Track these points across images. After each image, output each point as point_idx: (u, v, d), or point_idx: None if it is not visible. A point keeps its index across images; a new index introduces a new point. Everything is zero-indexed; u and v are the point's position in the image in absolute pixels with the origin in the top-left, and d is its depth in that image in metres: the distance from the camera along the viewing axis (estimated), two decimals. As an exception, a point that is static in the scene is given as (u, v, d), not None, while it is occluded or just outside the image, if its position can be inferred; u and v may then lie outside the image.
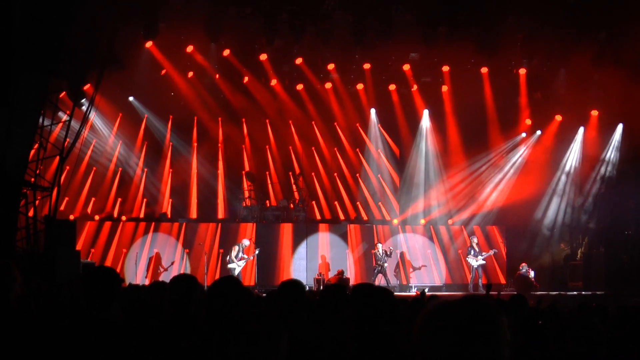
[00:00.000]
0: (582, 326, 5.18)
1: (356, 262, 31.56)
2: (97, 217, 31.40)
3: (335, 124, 34.85)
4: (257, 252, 29.08)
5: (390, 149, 35.64)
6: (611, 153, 33.88)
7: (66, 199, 30.11)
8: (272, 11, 28.19)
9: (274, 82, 32.89)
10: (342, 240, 31.72)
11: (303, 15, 28.21)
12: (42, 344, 5.65)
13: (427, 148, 35.06)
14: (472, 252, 30.76)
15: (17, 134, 19.03)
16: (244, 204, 31.81)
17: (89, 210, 31.95)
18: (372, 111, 34.97)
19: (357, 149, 35.31)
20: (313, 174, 34.88)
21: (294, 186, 33.54)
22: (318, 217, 34.33)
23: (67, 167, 25.02)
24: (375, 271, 29.97)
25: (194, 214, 33.30)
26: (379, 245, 30.20)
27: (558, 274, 33.43)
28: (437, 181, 34.91)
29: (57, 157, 21.79)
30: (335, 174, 35.08)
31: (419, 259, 32.47)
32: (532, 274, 30.51)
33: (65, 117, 23.23)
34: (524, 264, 30.79)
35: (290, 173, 34.36)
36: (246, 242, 29.19)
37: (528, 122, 34.54)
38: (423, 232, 33.23)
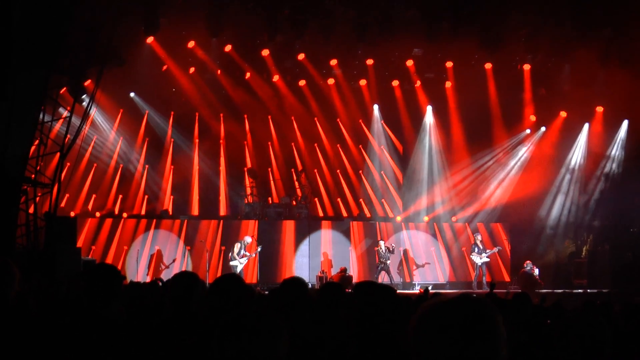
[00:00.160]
0: (586, 324, 5.18)
1: (359, 260, 31.55)
2: (98, 214, 31.40)
3: (338, 120, 34.86)
4: (259, 249, 29.08)
5: (394, 146, 35.65)
6: (616, 150, 33.86)
7: (67, 195, 30.11)
8: (274, 6, 28.16)
9: (276, 77, 32.89)
10: (345, 238, 31.71)
11: (305, 10, 28.17)
12: (42, 341, 5.65)
13: (431, 144, 35.07)
14: (476, 250, 30.74)
15: (17, 130, 19.03)
16: (246, 201, 31.80)
17: (89, 207, 31.97)
18: (375, 107, 34.98)
19: (360, 146, 35.32)
20: (315, 170, 34.90)
21: (296, 183, 33.53)
22: (320, 214, 34.35)
23: (68, 164, 25.03)
24: (378, 269, 29.96)
25: (195, 211, 33.32)
26: (382, 243, 30.20)
27: (562, 271, 33.41)
28: (440, 178, 34.92)
29: (58, 154, 21.79)
30: (338, 171, 35.09)
31: (423, 257, 32.46)
32: (536, 271, 30.48)
33: (65, 113, 23.21)
34: (528, 261, 30.77)
35: (293, 170, 34.35)
36: (248, 239, 29.18)
37: (532, 118, 34.54)
38: (426, 230, 33.22)
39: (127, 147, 33.00)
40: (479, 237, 31.15)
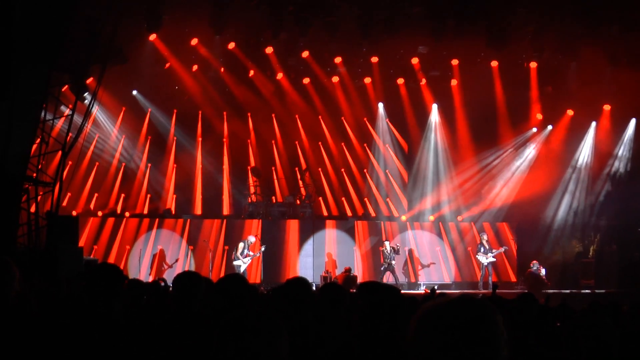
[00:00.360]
0: (593, 325, 5.17)
1: (364, 259, 31.54)
2: (100, 213, 31.45)
3: (343, 118, 34.85)
4: (262, 249, 29.08)
5: (399, 144, 35.63)
6: (624, 148, 33.82)
7: (68, 194, 30.12)
8: (278, 3, 28.14)
9: (279, 75, 32.90)
10: (350, 237, 31.70)
11: (309, 7, 28.15)
12: (43, 341, 5.66)
13: (436, 143, 35.04)
14: (482, 250, 30.71)
15: (19, 129, 19.04)
16: (250, 200, 31.82)
17: (91, 206, 32.01)
18: (380, 105, 34.97)
19: (365, 144, 35.31)
20: (320, 169, 34.89)
21: (300, 182, 33.52)
22: (325, 213, 34.35)
23: (70, 162, 25.05)
24: (383, 269, 29.94)
25: (198, 210, 33.35)
26: (387, 243, 30.17)
27: (569, 271, 33.34)
28: (446, 177, 34.89)
29: (60, 152, 21.80)
30: (343, 170, 35.08)
31: (428, 257, 32.44)
32: (543, 271, 30.47)
33: (67, 111, 23.20)
34: (534, 261, 30.75)
35: (297, 168, 34.35)
36: (252, 238, 29.17)
37: (539, 116, 34.49)
38: (432, 229, 33.20)
39: (130, 145, 33.02)
40: (485, 237, 31.13)
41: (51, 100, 21.34)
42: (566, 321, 5.56)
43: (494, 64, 32.58)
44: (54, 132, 22.48)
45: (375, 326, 5.47)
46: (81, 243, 26.76)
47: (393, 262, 29.92)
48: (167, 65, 31.34)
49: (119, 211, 32.13)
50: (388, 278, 29.57)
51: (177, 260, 29.99)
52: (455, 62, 32.56)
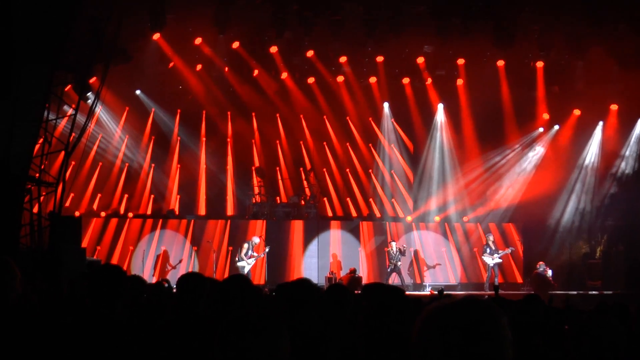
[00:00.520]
0: (600, 326, 5.16)
1: (369, 260, 31.54)
2: (103, 214, 31.47)
3: (348, 118, 34.85)
4: (267, 249, 29.08)
5: (404, 144, 35.62)
6: (631, 148, 33.75)
7: (71, 195, 30.16)
8: (282, 2, 28.13)
9: (284, 75, 32.90)
10: (354, 238, 31.70)
11: (314, 6, 28.13)
12: (45, 342, 5.66)
13: (442, 143, 35.02)
14: (488, 251, 30.67)
15: (21, 128, 19.05)
16: (254, 201, 31.81)
17: (94, 206, 32.02)
18: (385, 105, 34.97)
19: (370, 144, 35.30)
20: (324, 169, 34.89)
21: (305, 182, 33.53)
22: (330, 213, 34.34)
23: (73, 163, 25.02)
24: (389, 270, 29.92)
25: (202, 210, 33.35)
26: (393, 244, 30.13)
27: (576, 272, 33.30)
28: (451, 177, 34.86)
29: (62, 152, 21.79)
30: (348, 170, 35.09)
31: (433, 257, 32.43)
32: (549, 272, 30.41)
33: (70, 111, 23.23)
34: (541, 262, 30.69)
35: (301, 169, 34.34)
36: (256, 239, 29.17)
37: (545, 116, 34.46)
38: (437, 230, 33.20)
39: (133, 145, 33.04)
40: (491, 238, 31.09)
41: (54, 100, 21.36)
42: (573, 322, 5.56)
43: (500, 63, 32.57)
44: (57, 132, 22.53)
45: (380, 327, 5.47)
46: (84, 244, 26.81)
47: (399, 263, 29.90)
48: (171, 64, 31.35)
49: (122, 212, 32.14)
50: (394, 279, 29.57)
51: (180, 261, 30.01)
52: (461, 61, 32.53)
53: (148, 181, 32.97)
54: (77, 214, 30.27)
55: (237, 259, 28.75)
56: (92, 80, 27.16)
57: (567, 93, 33.34)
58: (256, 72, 32.52)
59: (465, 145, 34.75)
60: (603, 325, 5.15)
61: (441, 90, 34.12)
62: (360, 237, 31.81)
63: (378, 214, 34.52)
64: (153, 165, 33.09)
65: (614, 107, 33.62)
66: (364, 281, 28.68)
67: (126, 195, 32.67)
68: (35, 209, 20.92)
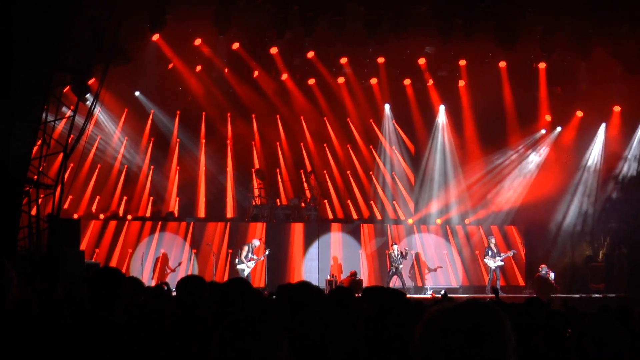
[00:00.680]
0: (603, 329, 5.16)
1: (369, 263, 31.54)
2: (101, 216, 31.46)
3: (348, 119, 34.84)
4: (267, 252, 29.07)
5: (405, 146, 35.61)
6: (634, 150, 33.73)
7: (70, 197, 30.09)
8: (283, 2, 28.12)
9: (284, 76, 32.90)
10: (355, 240, 31.70)
11: (315, 6, 28.12)
12: (43, 345, 5.66)
13: (443, 145, 35.01)
14: (490, 253, 30.67)
15: (20, 130, 19.04)
16: (254, 203, 31.79)
17: (93, 208, 31.99)
18: (387, 106, 34.97)
19: (371, 146, 35.28)
20: (325, 171, 34.87)
21: (305, 184, 33.55)
22: (330, 216, 34.33)
23: (71, 164, 25.05)
24: (390, 273, 29.92)
25: (202, 213, 33.33)
26: (395, 247, 30.13)
27: (579, 275, 33.30)
28: (453, 179, 34.84)
29: (61, 154, 21.76)
30: (348, 172, 35.08)
31: (435, 260, 32.44)
32: (552, 275, 30.41)
33: (69, 113, 23.20)
34: (543, 265, 30.70)
35: (302, 171, 34.34)
36: (256, 242, 29.18)
37: (548, 118, 34.45)
38: (439, 232, 33.20)
39: (132, 147, 33.00)
40: (493, 241, 31.09)
41: (52, 101, 21.33)
42: (575, 325, 5.56)
43: (502, 64, 32.56)
44: (56, 133, 22.47)
45: (380, 331, 5.48)
46: (83, 246, 26.72)
47: (400, 266, 29.90)
48: (171, 65, 31.35)
49: (121, 214, 32.10)
50: (395, 282, 29.56)
51: (180, 264, 30.00)
52: (462, 62, 32.52)
53: (147, 183, 32.94)
54: (75, 216, 30.23)
55: (236, 261, 28.74)
56: (91, 81, 27.12)
57: (569, 94, 33.34)
58: (256, 73, 32.52)
59: (467, 147, 34.76)
60: (606, 328, 5.15)
61: (443, 91, 34.13)
62: (361, 239, 31.81)
63: (379, 217, 34.51)
64: (152, 167, 33.06)
65: (617, 108, 33.62)
66: (365, 284, 28.70)
67: (125, 198, 32.64)
68: (34, 212, 20.92)
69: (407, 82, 33.90)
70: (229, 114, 33.80)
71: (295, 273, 30.29)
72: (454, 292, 30.01)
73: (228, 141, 34.03)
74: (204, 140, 33.78)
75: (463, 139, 34.70)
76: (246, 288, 6.48)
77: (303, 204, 32.06)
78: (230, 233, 30.80)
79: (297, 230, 31.23)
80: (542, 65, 32.61)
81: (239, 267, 28.48)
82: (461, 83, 33.55)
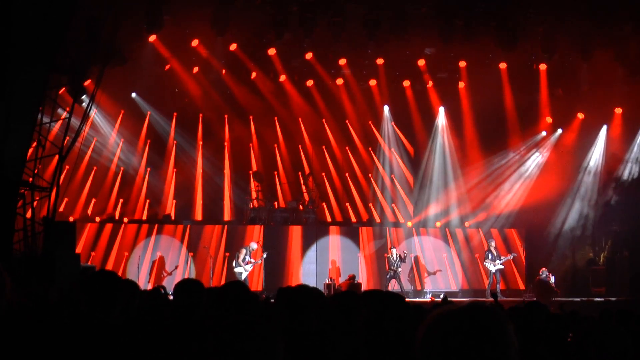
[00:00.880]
0: (605, 333, 5.16)
1: (368, 267, 31.54)
2: (97, 219, 31.44)
3: (347, 121, 34.84)
4: (264, 255, 29.07)
5: (404, 148, 35.62)
6: (636, 152, 33.72)
7: (65, 199, 30.12)
8: (282, 3, 28.10)
9: (282, 77, 32.89)
10: (354, 244, 31.70)
11: (314, 7, 28.09)
12: (39, 349, 5.65)
13: (443, 147, 35.01)
14: (490, 256, 30.66)
15: (15, 132, 19.02)
16: (252, 205, 31.79)
17: (89, 211, 31.96)
18: (386, 108, 34.96)
19: (370, 148, 35.28)
20: (323, 174, 34.88)
21: (303, 187, 33.54)
22: (329, 219, 34.33)
23: (67, 167, 25.02)
24: (388, 276, 29.92)
25: (199, 215, 33.32)
26: (393, 250, 30.12)
27: (580, 279, 33.32)
28: (453, 181, 34.83)
29: (57, 156, 21.78)
30: (347, 174, 35.08)
31: (434, 263, 32.44)
32: (552, 279, 30.40)
33: (65, 114, 23.23)
34: (544, 268, 30.69)
35: (300, 173, 34.36)
36: (254, 245, 29.18)
37: (549, 120, 34.46)
38: (438, 235, 33.19)
39: (128, 149, 32.96)
40: (493, 244, 31.09)
41: (48, 103, 21.32)
42: (577, 329, 5.55)
43: (503, 65, 32.54)
44: (51, 135, 22.50)
45: (379, 335, 5.47)
46: (78, 249, 26.73)
47: (399, 269, 29.91)
48: (167, 66, 31.33)
49: (117, 217, 32.08)
50: (393, 286, 29.56)
51: (176, 267, 29.98)
52: (462, 63, 32.51)
53: (144, 186, 32.91)
54: (71, 219, 30.23)
55: (234, 264, 28.73)
56: (87, 82, 27.09)
57: (570, 96, 33.34)
58: (254, 74, 32.50)
59: (467, 149, 34.75)
60: (608, 333, 5.14)
61: (442, 93, 34.12)
62: (359, 242, 31.81)
63: (378, 219, 34.50)
64: (149, 169, 33.02)
65: (618, 110, 33.60)
66: (364, 287, 28.67)
67: (121, 200, 32.61)
68: (29, 214, 20.89)
69: (406, 83, 33.91)
70: (226, 116, 33.79)
71: (293, 276, 30.29)
72: (453, 296, 30.02)
73: (225, 143, 34.01)
74: (201, 142, 33.78)
75: (463, 141, 34.70)
76: (243, 291, 6.47)
77: (301, 207, 32.07)
78: (228, 236, 30.79)
79: (295, 233, 31.22)
80: (543, 67, 32.60)
81: (237, 270, 28.47)
82: (461, 85, 33.55)
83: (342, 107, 34.21)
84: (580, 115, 33.95)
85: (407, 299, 6.15)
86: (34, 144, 20.95)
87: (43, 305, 9.36)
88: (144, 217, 32.43)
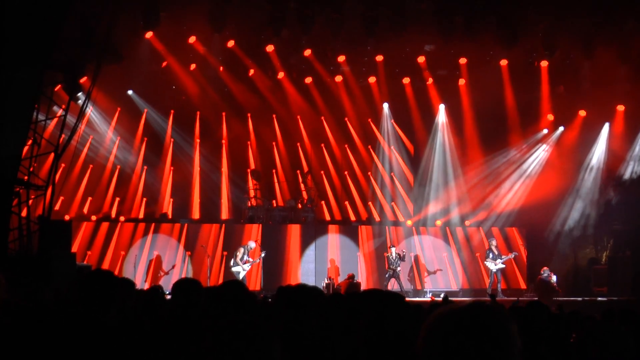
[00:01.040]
0: (607, 333, 5.16)
1: (367, 266, 31.52)
2: (93, 218, 31.42)
3: (346, 119, 34.83)
4: (263, 254, 29.06)
5: (404, 146, 35.59)
6: (638, 151, 33.70)
7: (61, 198, 30.11)
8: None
9: (281, 75, 32.86)
10: (353, 243, 31.68)
11: (312, 4, 28.11)
12: (35, 349, 5.65)
13: (443, 145, 34.98)
14: (491, 256, 30.64)
15: (10, 130, 19.03)
16: (249, 204, 31.77)
17: (85, 210, 31.96)
18: (385, 106, 34.94)
19: (369, 146, 35.26)
20: (322, 172, 34.88)
21: (302, 185, 33.52)
22: (327, 217, 34.33)
23: (63, 165, 25.07)
24: (387, 275, 29.90)
25: (196, 214, 33.31)
26: (393, 249, 30.10)
27: (581, 278, 33.30)
28: (453, 180, 34.81)
29: (52, 154, 21.76)
30: (346, 172, 35.07)
31: (434, 263, 32.41)
32: (554, 278, 30.38)
33: (60, 112, 23.20)
34: (545, 268, 30.67)
35: (298, 171, 34.35)
36: (252, 244, 29.15)
37: (550, 117, 34.43)
38: (438, 234, 33.17)
39: (125, 147, 32.95)
40: (494, 243, 31.05)
41: (43, 100, 21.34)
42: (579, 330, 5.56)
43: (504, 62, 32.52)
44: (46, 133, 22.47)
45: (379, 334, 5.47)
46: (74, 249, 26.71)
47: (398, 268, 29.88)
48: (164, 64, 31.32)
49: (113, 215, 32.06)
50: (393, 285, 29.54)
51: (174, 267, 29.98)
52: (463, 60, 32.51)
53: (140, 184, 32.91)
54: (67, 217, 30.22)
55: (232, 264, 28.72)
56: (83, 80, 27.09)
57: (572, 93, 33.31)
58: (252, 71, 32.50)
59: (467, 147, 34.73)
60: (610, 333, 5.14)
61: (442, 90, 34.09)
62: (359, 241, 31.78)
63: (377, 218, 34.48)
64: (145, 167, 33.03)
65: (620, 107, 33.57)
66: (363, 287, 28.66)
67: (118, 199, 32.61)
68: (24, 213, 20.88)
69: (406, 80, 33.88)
70: (224, 113, 33.79)
71: (291, 276, 30.27)
72: (454, 295, 29.99)
73: (223, 141, 34.01)
74: (198, 140, 33.76)
75: (463, 138, 34.66)
76: (241, 291, 6.47)
77: (300, 205, 32.04)
78: (225, 235, 30.76)
79: (294, 232, 31.20)
80: (544, 64, 32.56)
81: (234, 269, 28.46)
82: (461, 82, 33.52)
83: (341, 104, 34.18)
84: (582, 113, 33.91)
85: (407, 299, 6.14)
86: (30, 142, 20.95)
87: (39, 305, 9.36)
88: (141, 216, 32.42)
